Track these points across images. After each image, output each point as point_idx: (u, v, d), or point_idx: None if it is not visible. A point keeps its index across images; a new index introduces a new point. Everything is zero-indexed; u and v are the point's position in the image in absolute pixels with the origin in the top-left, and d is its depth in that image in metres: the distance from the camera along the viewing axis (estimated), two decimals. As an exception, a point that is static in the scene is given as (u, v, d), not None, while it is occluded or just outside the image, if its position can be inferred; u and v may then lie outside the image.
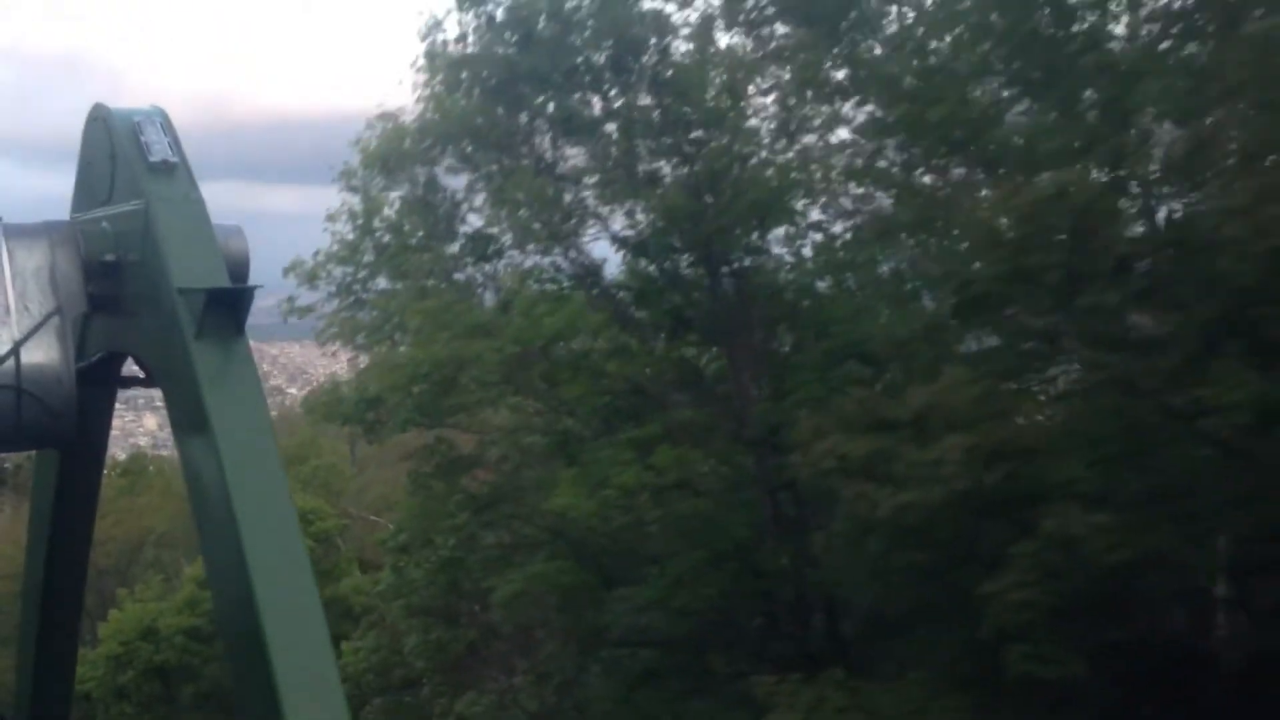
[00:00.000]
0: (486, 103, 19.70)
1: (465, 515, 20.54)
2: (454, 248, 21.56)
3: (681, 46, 19.60)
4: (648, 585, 18.26)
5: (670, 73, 19.29)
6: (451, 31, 20.03)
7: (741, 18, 18.23)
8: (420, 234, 21.63)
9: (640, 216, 20.03)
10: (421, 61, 20.13)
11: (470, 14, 19.59)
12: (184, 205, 3.77)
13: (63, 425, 3.96)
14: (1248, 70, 12.16)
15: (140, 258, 3.78)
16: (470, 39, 19.83)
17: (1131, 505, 12.42)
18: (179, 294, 3.50)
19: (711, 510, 18.90)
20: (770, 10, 17.68)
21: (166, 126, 3.95)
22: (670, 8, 19.35)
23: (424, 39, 20.02)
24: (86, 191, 4.41)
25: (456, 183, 21.44)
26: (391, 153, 21.19)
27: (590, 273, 20.77)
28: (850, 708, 13.34)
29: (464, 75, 19.74)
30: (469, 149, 20.46)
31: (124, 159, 3.96)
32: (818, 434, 13.87)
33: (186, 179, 3.86)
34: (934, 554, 13.45)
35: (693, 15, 19.25)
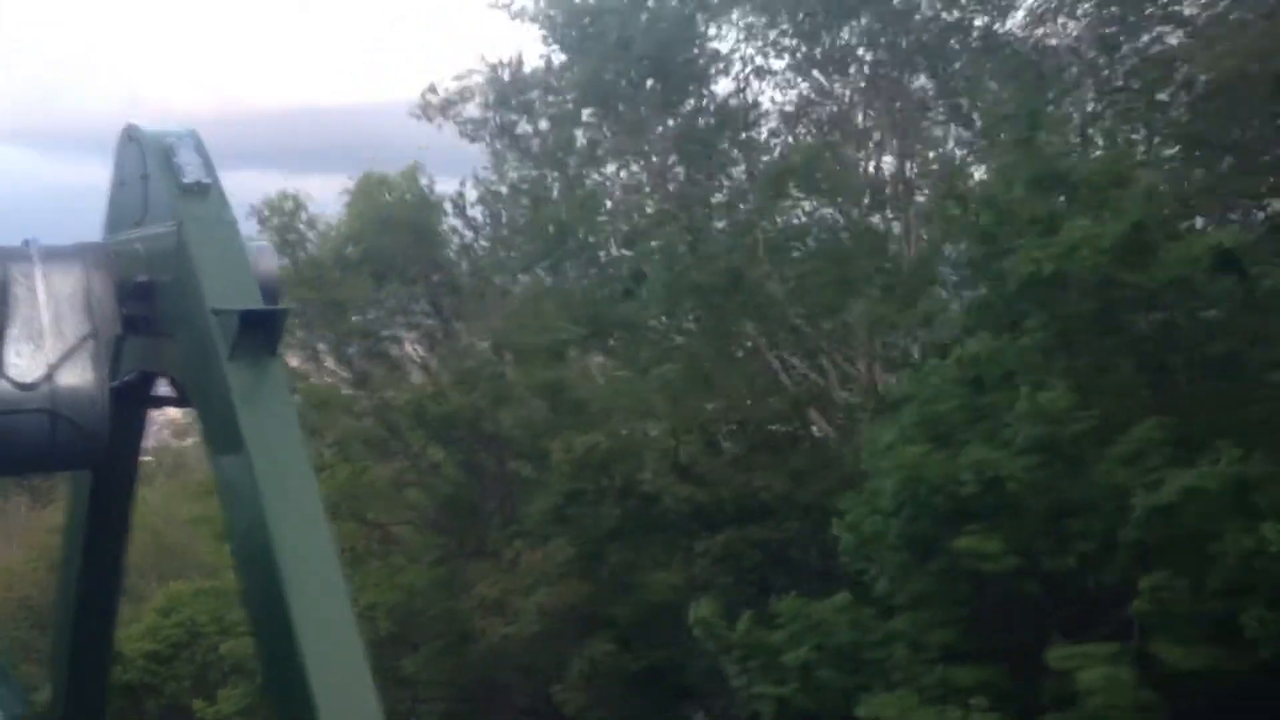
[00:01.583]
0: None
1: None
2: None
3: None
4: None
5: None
6: None
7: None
8: None
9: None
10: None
11: None
12: (217, 226, 3.83)
13: (96, 447, 4.00)
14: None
15: (174, 279, 3.83)
16: None
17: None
18: (213, 315, 3.53)
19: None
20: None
21: (199, 147, 4.01)
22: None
23: None
24: (119, 211, 4.45)
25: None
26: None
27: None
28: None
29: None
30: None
31: (157, 180, 4.03)
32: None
33: (219, 200, 3.91)
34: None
35: None
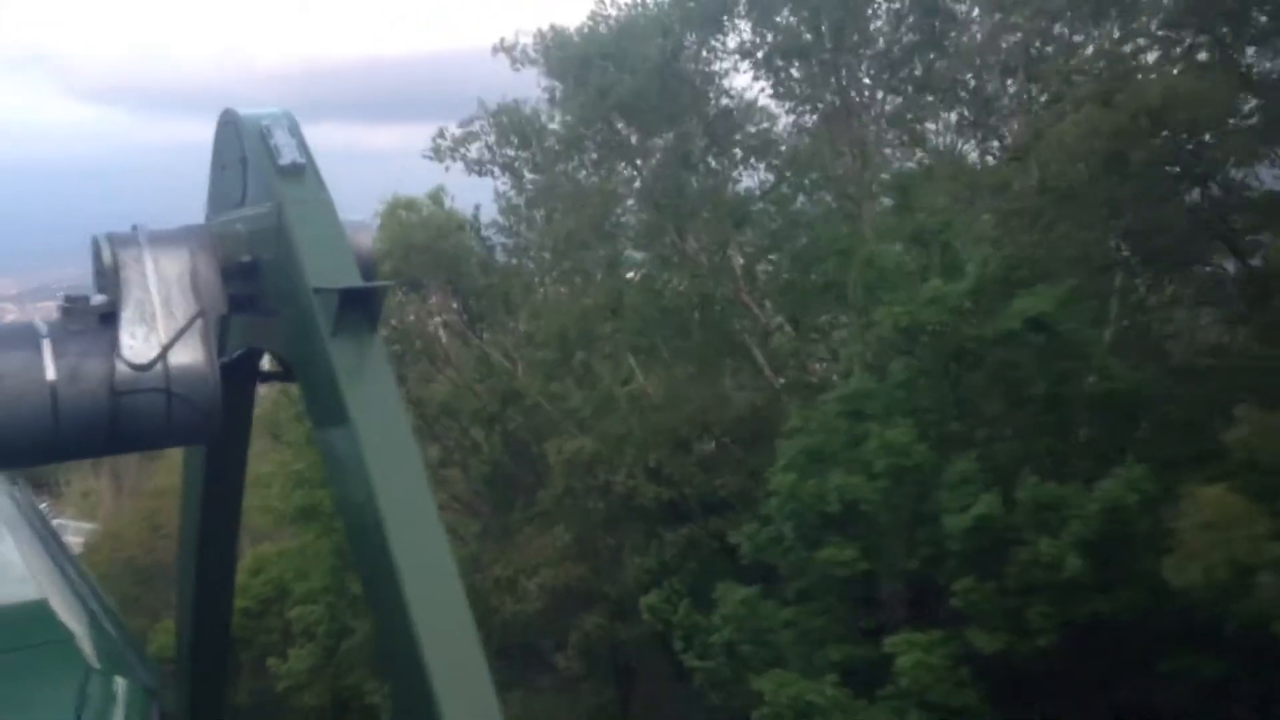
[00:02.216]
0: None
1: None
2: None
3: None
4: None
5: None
6: None
7: None
8: None
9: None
10: None
11: None
12: (314, 206, 3.94)
13: (209, 422, 4.15)
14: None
15: (275, 258, 3.96)
16: None
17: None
18: (314, 294, 3.67)
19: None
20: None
21: (294, 129, 4.14)
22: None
23: None
24: (220, 194, 4.61)
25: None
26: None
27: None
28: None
29: None
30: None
31: (255, 162, 4.15)
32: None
33: (315, 180, 4.03)
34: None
35: None
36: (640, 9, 28.18)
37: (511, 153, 27.91)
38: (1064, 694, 16.61)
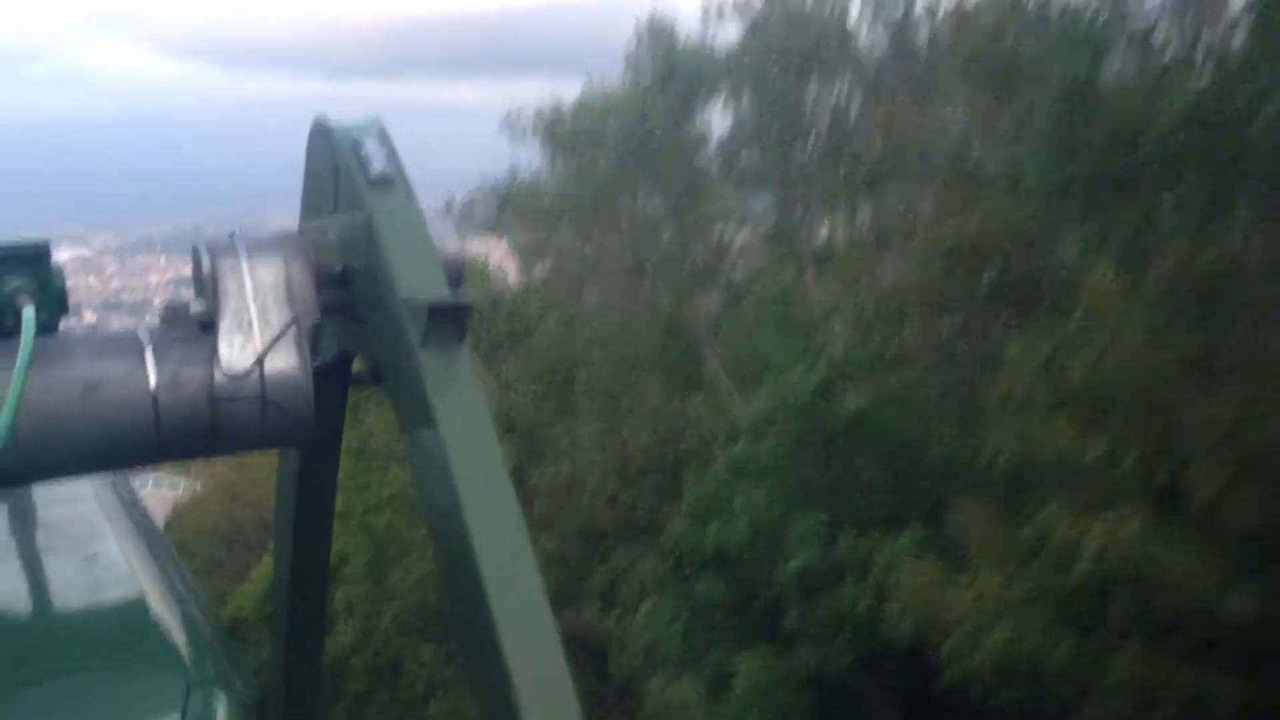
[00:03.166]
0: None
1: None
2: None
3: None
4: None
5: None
6: None
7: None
8: None
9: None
10: None
11: None
12: (404, 217, 4.00)
13: (303, 427, 4.19)
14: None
15: (365, 267, 4.02)
16: None
17: None
18: (403, 305, 3.72)
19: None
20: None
21: (384, 138, 4.21)
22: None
23: None
24: (313, 202, 4.70)
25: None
26: None
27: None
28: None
29: None
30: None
31: (345, 172, 4.23)
32: None
33: (405, 191, 4.10)
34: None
35: None
36: (631, 85, 33.78)
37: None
38: (876, 708, 22.14)
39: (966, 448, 20.20)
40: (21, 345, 2.81)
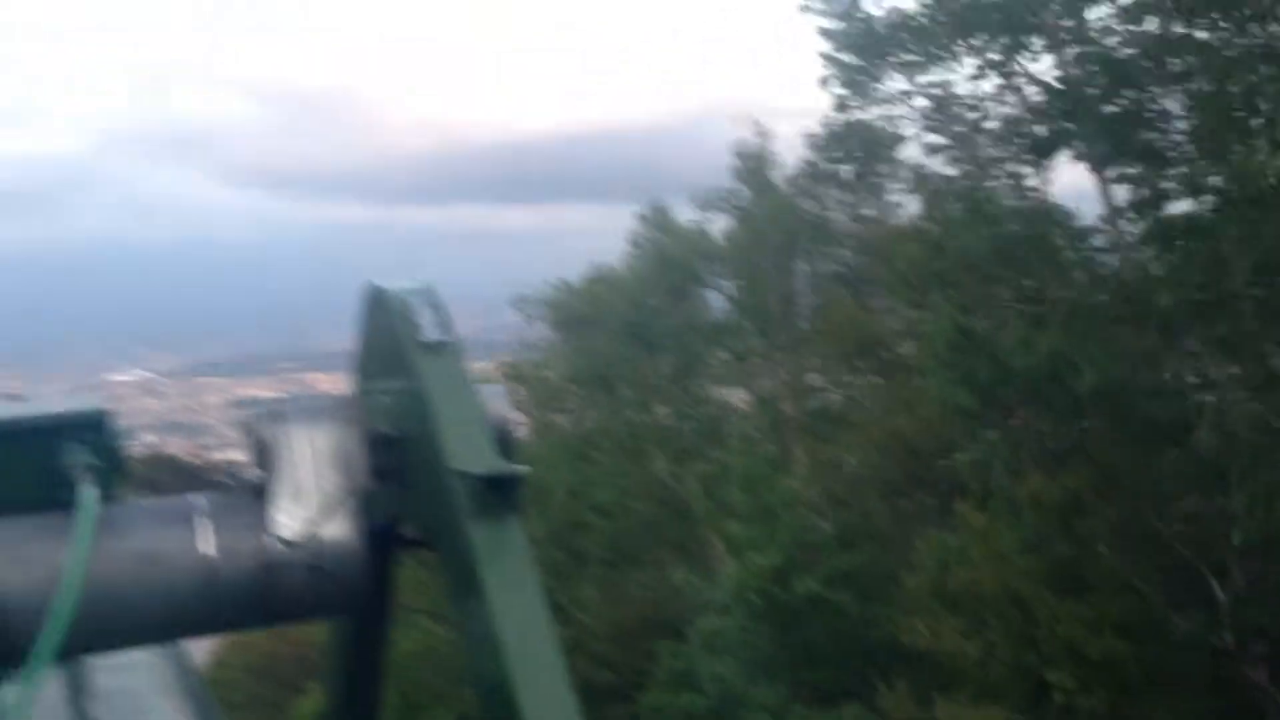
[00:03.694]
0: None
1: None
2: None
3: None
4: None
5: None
6: None
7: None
8: None
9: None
10: None
11: None
12: (455, 384, 3.66)
13: (355, 595, 3.83)
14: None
15: (417, 433, 3.77)
16: None
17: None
18: (455, 474, 3.49)
19: None
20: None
21: (436, 304, 3.89)
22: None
23: None
24: (365, 365, 4.42)
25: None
26: None
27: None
28: None
29: None
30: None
31: (397, 337, 3.88)
32: None
33: (456, 357, 3.74)
34: None
35: None
36: (634, 265, 37.57)
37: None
38: None
39: (897, 630, 23.13)
40: (80, 532, 2.81)
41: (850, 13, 27.84)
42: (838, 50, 28.13)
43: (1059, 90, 21.63)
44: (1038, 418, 19.33)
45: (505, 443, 3.42)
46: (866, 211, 35.06)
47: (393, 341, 3.60)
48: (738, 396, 36.53)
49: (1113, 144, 20.83)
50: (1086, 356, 17.33)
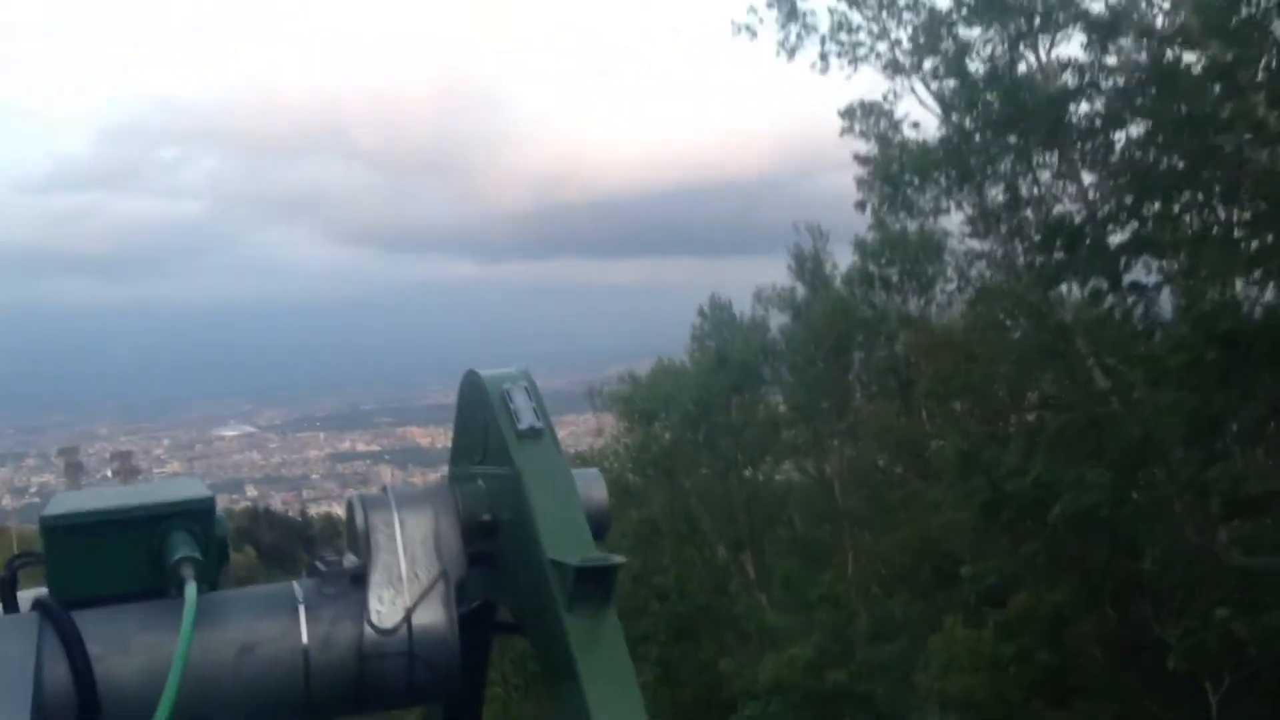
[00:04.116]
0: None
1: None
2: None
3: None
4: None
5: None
6: None
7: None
8: None
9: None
10: None
11: None
12: (551, 472, 3.60)
13: (449, 681, 3.75)
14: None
15: (512, 520, 3.69)
16: None
17: None
18: (550, 564, 3.38)
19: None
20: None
21: (533, 391, 3.83)
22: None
23: None
24: (462, 450, 4.24)
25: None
26: None
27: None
28: None
29: None
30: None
31: (494, 424, 3.92)
32: None
33: (552, 445, 3.73)
34: None
35: None
36: (697, 358, 40.02)
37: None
38: None
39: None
40: (183, 629, 2.66)
41: (887, 137, 29.79)
42: (872, 176, 30.06)
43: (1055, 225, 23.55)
44: (1032, 535, 21.19)
45: (600, 527, 3.22)
46: (914, 308, 37.00)
47: (489, 427, 3.39)
48: (792, 486, 38.57)
49: (1109, 279, 22.66)
50: (1064, 484, 19.21)
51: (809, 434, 36.36)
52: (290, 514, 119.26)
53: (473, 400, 3.41)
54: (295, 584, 3.04)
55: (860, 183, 30.59)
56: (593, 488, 3.06)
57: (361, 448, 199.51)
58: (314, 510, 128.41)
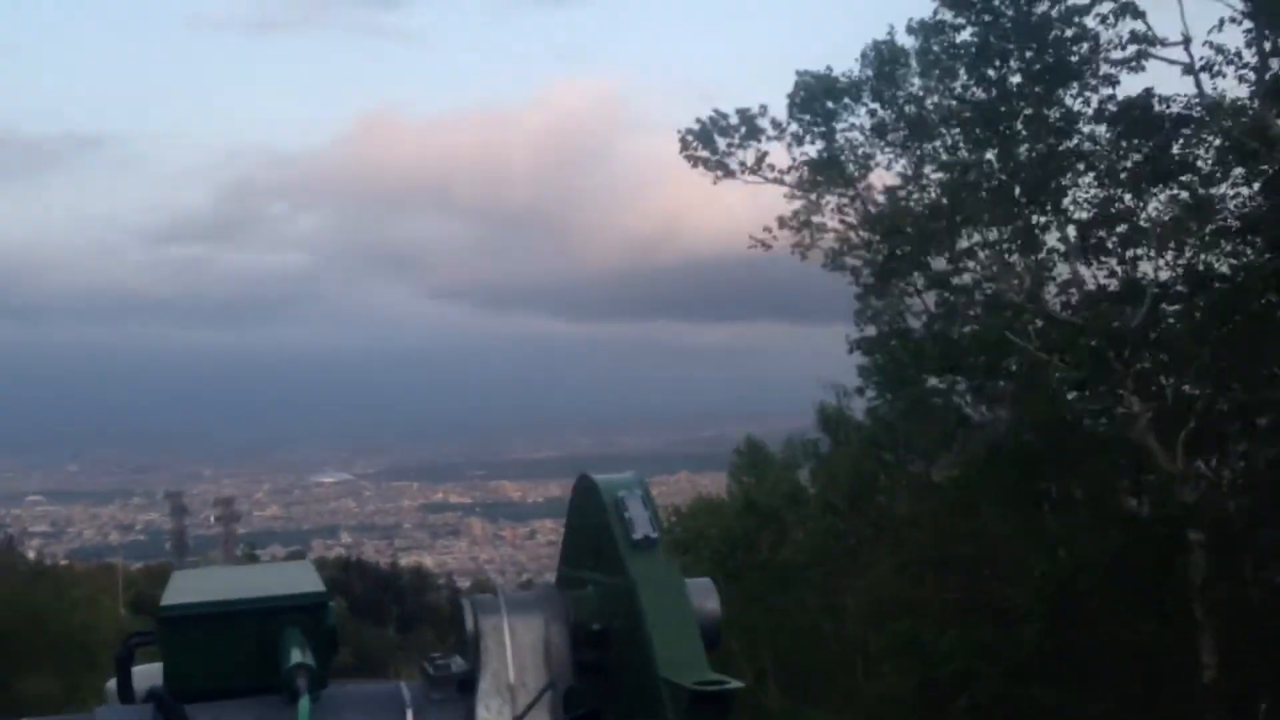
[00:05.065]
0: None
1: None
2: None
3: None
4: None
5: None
6: None
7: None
8: None
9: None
10: None
11: None
12: (665, 586, 3.72)
13: None
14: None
15: (623, 631, 3.86)
16: None
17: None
18: (664, 683, 3.49)
19: None
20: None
21: (647, 499, 4.11)
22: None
23: None
24: (573, 554, 4.48)
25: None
26: None
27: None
28: None
29: None
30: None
31: (608, 531, 4.11)
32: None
33: (666, 555, 3.99)
34: None
35: None
36: (732, 495, 45.04)
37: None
38: None
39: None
40: None
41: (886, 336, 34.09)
42: (875, 368, 34.35)
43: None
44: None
45: (712, 637, 3.13)
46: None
47: (602, 534, 3.29)
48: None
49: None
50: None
51: (822, 580, 40.89)
52: (381, 563, 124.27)
53: (585, 504, 3.39)
54: (404, 685, 3.03)
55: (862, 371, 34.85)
56: (706, 598, 3.09)
57: (454, 499, 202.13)
58: (404, 560, 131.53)
